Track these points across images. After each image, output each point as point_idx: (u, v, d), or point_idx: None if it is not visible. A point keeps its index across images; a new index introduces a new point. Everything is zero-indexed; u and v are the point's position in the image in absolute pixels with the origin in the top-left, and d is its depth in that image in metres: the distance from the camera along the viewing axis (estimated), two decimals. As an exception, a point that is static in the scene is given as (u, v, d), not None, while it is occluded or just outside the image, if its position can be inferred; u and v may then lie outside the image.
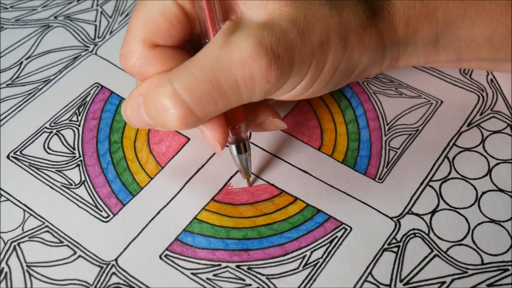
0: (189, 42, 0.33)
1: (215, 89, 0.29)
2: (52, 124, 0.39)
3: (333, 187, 0.36)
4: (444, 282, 0.33)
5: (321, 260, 0.34)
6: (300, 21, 0.30)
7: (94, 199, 0.36)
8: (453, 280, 0.33)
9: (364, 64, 0.33)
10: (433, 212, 0.35)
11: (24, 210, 0.35)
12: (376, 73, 0.35)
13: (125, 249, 0.34)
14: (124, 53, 0.32)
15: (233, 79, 0.29)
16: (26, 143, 0.38)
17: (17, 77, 0.41)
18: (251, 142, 0.38)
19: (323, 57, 0.31)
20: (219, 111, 0.31)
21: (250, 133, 0.39)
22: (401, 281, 0.33)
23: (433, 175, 0.37)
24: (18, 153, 0.38)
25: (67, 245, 0.34)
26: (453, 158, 0.38)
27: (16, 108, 0.40)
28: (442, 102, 0.40)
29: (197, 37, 0.32)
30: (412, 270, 0.33)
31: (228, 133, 0.34)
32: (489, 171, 0.37)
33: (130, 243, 0.34)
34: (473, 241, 0.34)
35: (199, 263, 0.33)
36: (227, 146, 0.35)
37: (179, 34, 0.32)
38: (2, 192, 0.36)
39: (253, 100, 0.31)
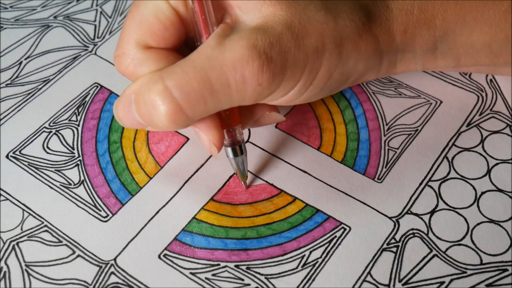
0: (185, 45, 0.33)
1: (205, 87, 0.29)
2: (51, 124, 0.39)
3: (332, 187, 0.36)
4: (443, 282, 0.33)
5: (320, 260, 0.34)
6: (294, 26, 0.30)
7: (93, 198, 0.36)
8: (452, 280, 0.33)
9: (360, 71, 0.33)
10: (432, 212, 0.35)
11: (23, 210, 0.35)
12: (374, 78, 0.35)
13: (124, 248, 0.34)
14: (118, 54, 0.32)
15: (225, 79, 0.29)
16: (25, 143, 0.38)
17: (17, 77, 0.42)
18: (250, 142, 0.38)
19: (317, 63, 0.31)
20: (208, 111, 0.30)
21: (249, 133, 0.39)
22: (400, 281, 0.33)
23: (432, 175, 0.37)
24: (17, 152, 0.38)
25: (66, 245, 0.34)
26: (453, 158, 0.38)
27: (16, 108, 0.40)
28: (441, 102, 0.40)
29: (193, 40, 0.32)
30: (411, 270, 0.33)
31: (224, 135, 0.34)
32: (488, 171, 0.37)
33: (129, 242, 0.34)
34: (472, 241, 0.34)
35: (198, 263, 0.33)
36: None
37: (173, 37, 0.32)
38: (2, 192, 0.36)
39: (244, 103, 0.31)
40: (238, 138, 0.34)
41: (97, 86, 0.41)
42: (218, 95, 0.30)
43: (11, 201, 0.36)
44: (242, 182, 0.36)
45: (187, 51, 0.31)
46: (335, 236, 0.34)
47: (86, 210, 0.35)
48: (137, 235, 0.34)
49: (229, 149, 0.34)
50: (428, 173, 0.37)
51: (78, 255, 0.34)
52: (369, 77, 0.34)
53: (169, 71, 0.30)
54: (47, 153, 0.38)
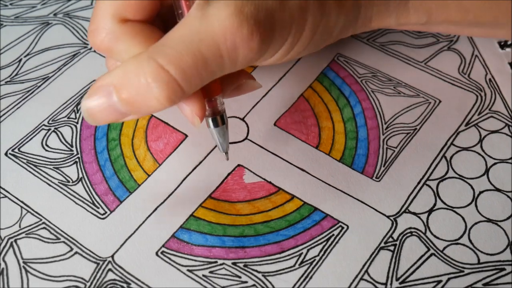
0: (158, 17, 0.33)
1: (199, 61, 0.29)
2: (50, 122, 0.39)
3: (330, 185, 0.36)
4: (440, 281, 0.33)
5: (317, 258, 0.34)
6: None
7: (91, 196, 0.36)
8: (449, 279, 0.33)
9: (340, 26, 0.33)
10: (430, 211, 0.35)
11: (22, 207, 0.35)
12: (351, 34, 0.35)
13: (121, 245, 0.34)
14: (93, 29, 0.32)
15: (216, 49, 0.29)
16: (24, 140, 0.38)
17: (16, 74, 0.42)
18: (249, 139, 0.38)
19: (303, 20, 0.31)
20: (203, 83, 0.30)
21: (248, 131, 0.39)
22: (397, 279, 0.33)
23: (430, 174, 0.37)
24: (16, 150, 0.38)
25: (63, 242, 0.34)
26: (451, 157, 0.38)
27: (15, 105, 0.40)
28: (440, 101, 0.40)
29: (167, 10, 0.32)
30: (409, 269, 0.33)
31: (205, 105, 0.33)
32: (487, 171, 0.37)
33: (127, 239, 0.34)
34: (470, 240, 0.34)
35: (195, 260, 0.33)
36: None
37: (149, 6, 0.31)
38: (0, 189, 0.36)
39: (235, 69, 0.31)
40: (219, 108, 0.33)
41: (96, 84, 0.41)
42: (212, 66, 0.29)
43: (9, 198, 0.36)
44: (224, 153, 0.35)
45: (160, 23, 0.30)
46: (333, 235, 0.34)
47: (84, 208, 0.35)
48: (134, 232, 0.34)
49: (210, 120, 0.34)
50: (426, 172, 0.37)
51: (76, 252, 0.34)
52: (347, 31, 0.35)
53: (157, 51, 0.29)
54: (46, 150, 0.38)
